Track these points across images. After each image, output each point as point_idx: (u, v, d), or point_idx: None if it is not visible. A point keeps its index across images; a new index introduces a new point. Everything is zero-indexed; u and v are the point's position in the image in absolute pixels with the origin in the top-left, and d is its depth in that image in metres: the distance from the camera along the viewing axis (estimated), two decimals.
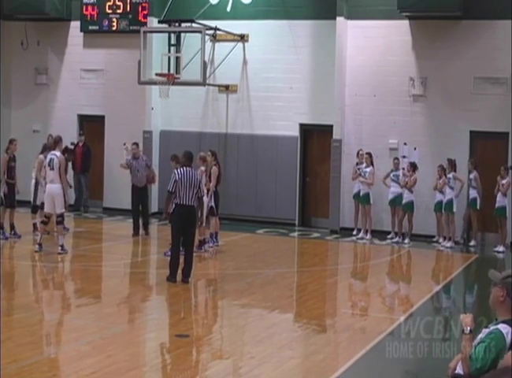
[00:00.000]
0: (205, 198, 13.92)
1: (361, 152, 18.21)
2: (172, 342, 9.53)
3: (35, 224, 16.35)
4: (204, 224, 14.50)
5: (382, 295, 13.06)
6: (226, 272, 13.99)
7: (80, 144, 20.92)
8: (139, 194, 17.13)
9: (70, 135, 20.91)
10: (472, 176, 17.22)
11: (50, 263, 14.11)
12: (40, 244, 14.61)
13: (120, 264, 14.61)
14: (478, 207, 17.24)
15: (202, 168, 14.89)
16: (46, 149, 15.87)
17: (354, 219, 18.41)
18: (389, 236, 17.81)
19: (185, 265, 12.48)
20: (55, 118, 21.92)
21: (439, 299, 13.00)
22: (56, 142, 15.01)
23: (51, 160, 14.54)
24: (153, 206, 20.18)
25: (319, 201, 19.49)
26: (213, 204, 15.34)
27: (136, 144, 17.43)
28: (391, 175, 17.80)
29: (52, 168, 14.48)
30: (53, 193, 14.49)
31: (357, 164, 18.20)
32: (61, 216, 14.62)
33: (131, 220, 17.51)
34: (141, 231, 17.17)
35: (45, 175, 14.85)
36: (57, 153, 14.64)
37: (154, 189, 20.20)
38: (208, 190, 14.96)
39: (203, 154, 15.27)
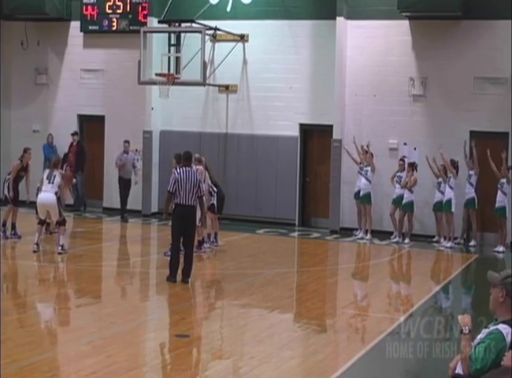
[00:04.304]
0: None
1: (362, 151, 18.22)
2: (172, 342, 9.53)
3: None
4: (202, 224, 14.51)
5: (382, 295, 13.03)
6: (226, 272, 13.98)
7: (74, 143, 20.90)
8: (124, 184, 19.64)
9: (70, 136, 20.95)
10: (472, 172, 17.21)
11: (50, 263, 14.13)
12: (37, 244, 14.59)
13: (121, 264, 14.63)
14: (476, 206, 17.25)
15: (200, 167, 14.91)
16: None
17: (357, 219, 18.37)
18: (392, 236, 17.82)
19: (185, 265, 12.49)
20: (55, 118, 21.90)
21: (439, 299, 12.99)
22: (55, 164, 14.99)
23: (53, 176, 14.60)
24: (153, 206, 20.23)
25: (319, 201, 19.49)
26: (214, 202, 15.39)
27: (128, 142, 19.72)
28: (396, 176, 17.79)
29: (51, 183, 14.51)
30: (47, 204, 14.49)
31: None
32: (62, 217, 14.65)
33: (131, 220, 19.15)
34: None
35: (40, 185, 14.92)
36: (58, 174, 14.69)
37: (154, 189, 20.27)
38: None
39: (198, 156, 15.37)
